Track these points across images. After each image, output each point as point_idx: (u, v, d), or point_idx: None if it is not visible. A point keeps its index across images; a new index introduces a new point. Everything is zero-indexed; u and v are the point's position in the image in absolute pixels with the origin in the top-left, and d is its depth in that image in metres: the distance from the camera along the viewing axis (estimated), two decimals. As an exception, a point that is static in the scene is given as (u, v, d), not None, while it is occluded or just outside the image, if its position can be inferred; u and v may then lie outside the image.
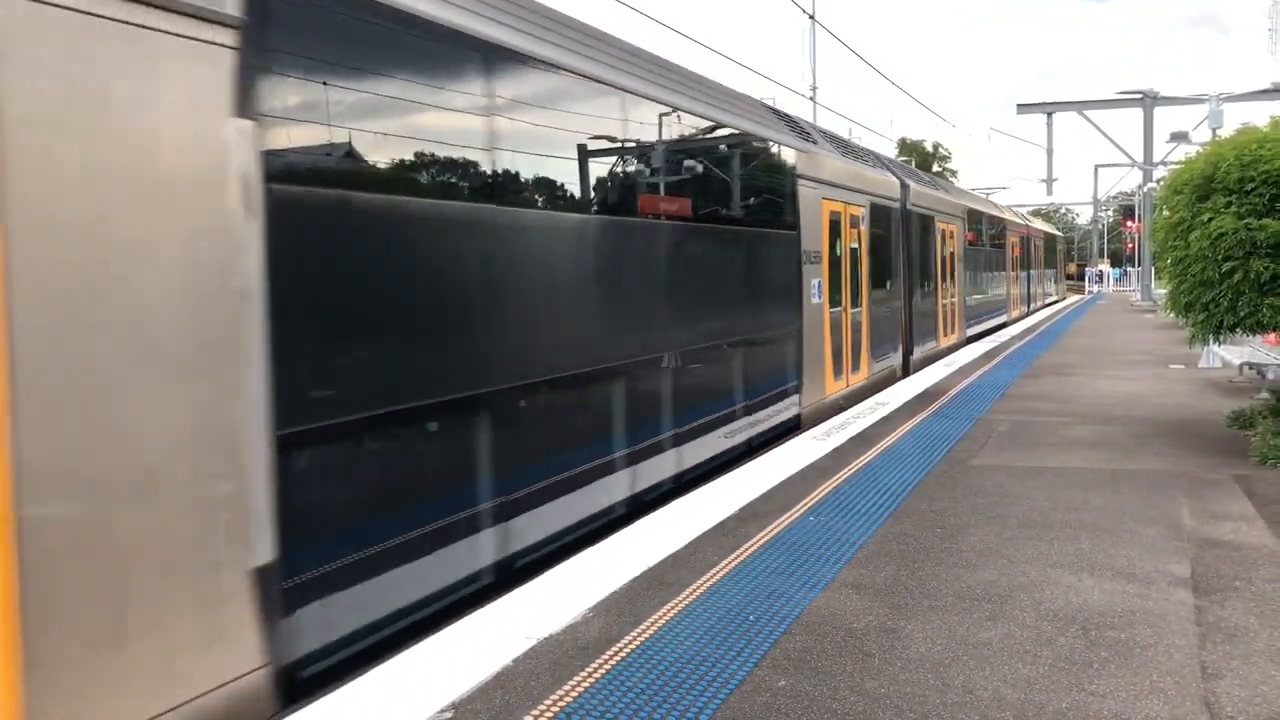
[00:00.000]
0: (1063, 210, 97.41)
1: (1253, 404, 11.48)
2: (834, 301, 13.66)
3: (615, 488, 7.83)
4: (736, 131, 10.77)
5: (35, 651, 3.58)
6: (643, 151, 8.78)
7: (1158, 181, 30.62)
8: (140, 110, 4.07)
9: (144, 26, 4.07)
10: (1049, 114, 44.89)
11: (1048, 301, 47.42)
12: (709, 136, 10.28)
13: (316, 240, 4.98)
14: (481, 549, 6.11)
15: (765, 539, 6.64)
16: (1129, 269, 69.88)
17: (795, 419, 11.96)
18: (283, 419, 4.64)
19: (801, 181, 12.30)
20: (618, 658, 4.67)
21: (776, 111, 13.83)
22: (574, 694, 4.29)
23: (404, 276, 5.59)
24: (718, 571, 5.95)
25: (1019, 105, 43.26)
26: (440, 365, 5.86)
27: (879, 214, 16.36)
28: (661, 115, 9.01)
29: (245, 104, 4.50)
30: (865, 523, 7.02)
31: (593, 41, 8.27)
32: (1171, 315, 10.56)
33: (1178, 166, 10.49)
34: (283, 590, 4.65)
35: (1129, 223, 67.67)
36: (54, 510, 3.67)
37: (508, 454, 6.40)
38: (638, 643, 4.85)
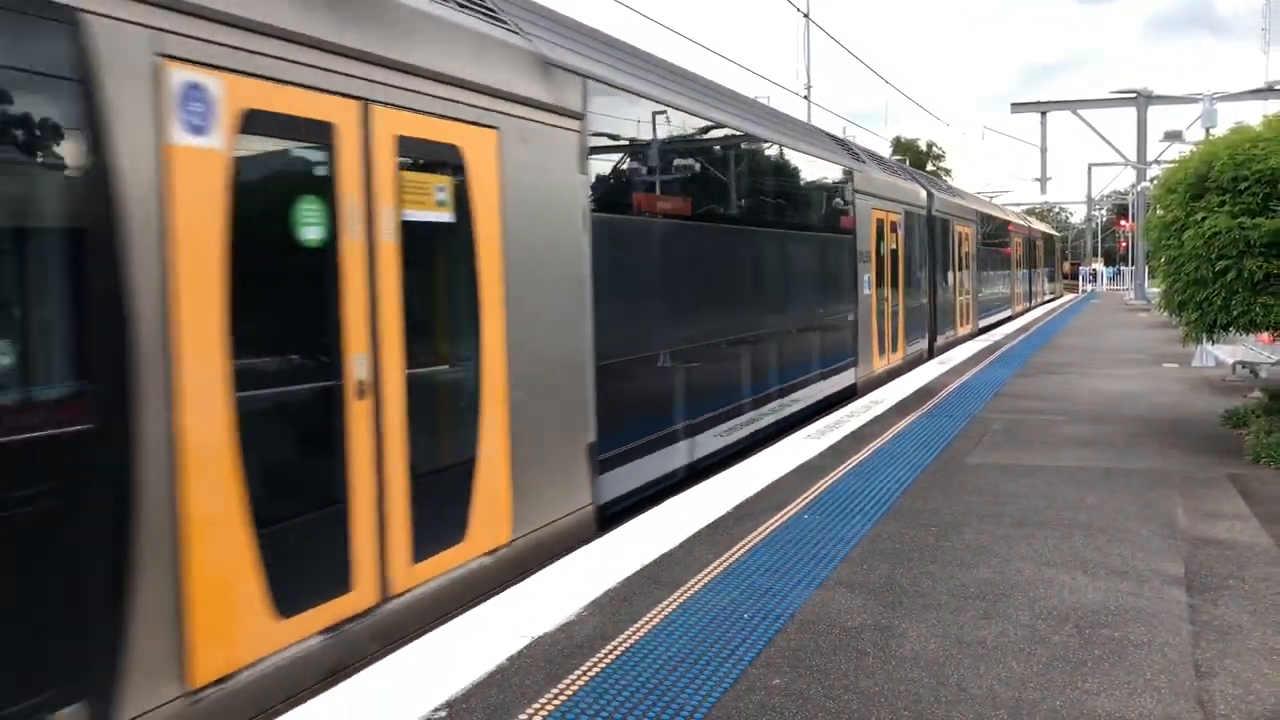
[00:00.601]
0: (1057, 209, 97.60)
1: (1246, 403, 11.50)
2: (879, 294, 16.63)
3: (753, 420, 11.10)
4: (818, 158, 13.99)
5: (513, 468, 6.45)
6: (766, 179, 12.21)
7: (1151, 180, 30.76)
8: (550, 171, 7.02)
9: (549, 125, 7.00)
10: (1043, 113, 44.91)
11: (1047, 298, 49.37)
12: (803, 165, 13.41)
13: (610, 245, 7.82)
14: (682, 449, 9.30)
15: (760, 537, 6.65)
16: (1123, 268, 70.04)
17: (853, 386, 14.98)
18: (598, 355, 7.56)
19: (857, 195, 15.44)
20: (612, 656, 4.67)
21: (834, 137, 17.28)
22: (569, 692, 4.29)
23: (653, 269, 8.83)
24: (712, 569, 5.96)
25: (1013, 104, 43.32)
26: (671, 326, 9.12)
27: (911, 220, 19.30)
28: (775, 152, 12.41)
29: (581, 164, 7.44)
30: (860, 521, 7.03)
31: (742, 103, 12.29)
32: (1165, 314, 10.59)
33: (1172, 165, 10.51)
34: (599, 460, 7.60)
35: (1123, 222, 67.86)
36: (517, 395, 6.46)
37: (701, 390, 9.72)
38: (633, 641, 4.85)
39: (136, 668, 3.93)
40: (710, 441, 9.83)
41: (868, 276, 15.88)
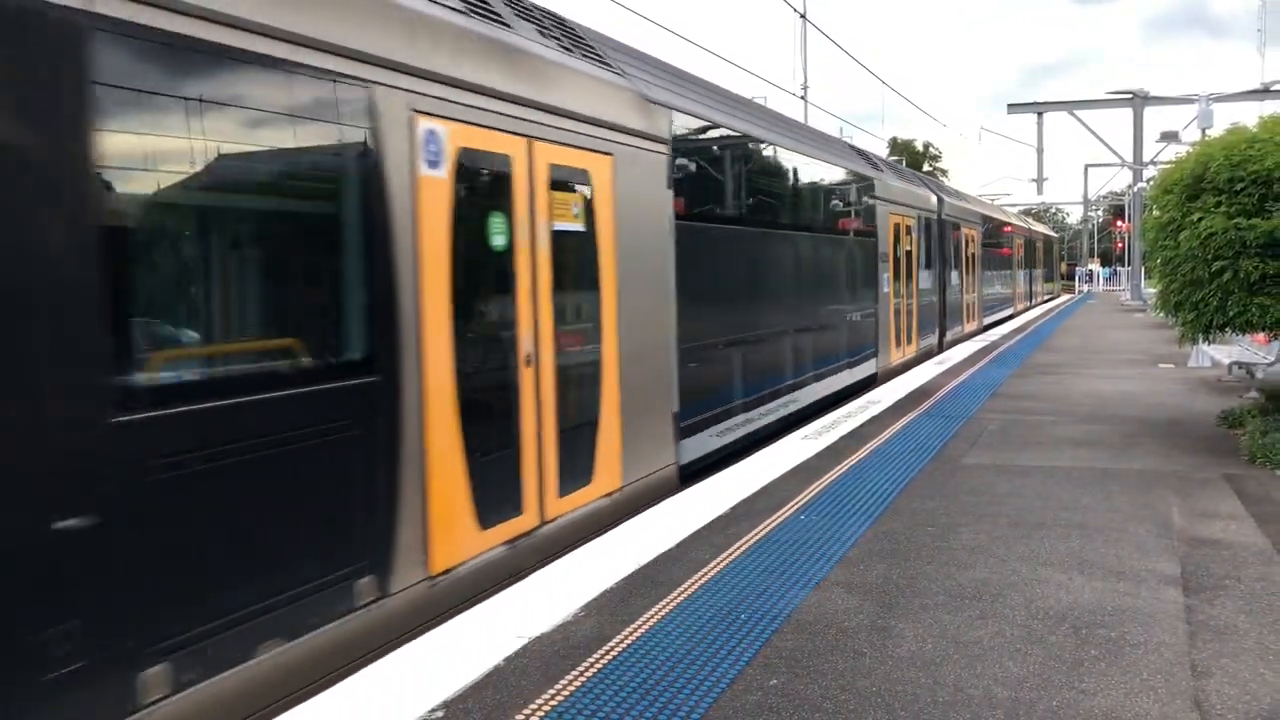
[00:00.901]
0: (1053, 210, 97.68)
1: (1242, 403, 11.52)
2: (895, 292, 18.20)
3: (795, 400, 12.67)
4: (848, 170, 15.89)
5: (623, 430, 8.01)
6: (807, 190, 13.90)
7: (1148, 181, 30.79)
8: (646, 188, 8.60)
9: (646, 150, 8.56)
10: (1039, 114, 44.96)
11: (1046, 297, 50.90)
12: (836, 177, 15.25)
13: (687, 248, 9.30)
14: (741, 421, 10.83)
15: (757, 538, 6.65)
16: (1119, 268, 70.12)
17: (874, 375, 16.49)
18: (680, 339, 9.13)
19: (878, 201, 17.13)
20: (609, 656, 4.67)
21: (856, 149, 19.11)
22: (565, 693, 4.29)
23: (721, 268, 10.43)
24: (709, 570, 5.96)
25: (1010, 105, 43.52)
26: (734, 317, 10.74)
27: (923, 223, 20.95)
28: (814, 166, 14.06)
29: (668, 181, 9.03)
30: (857, 521, 7.03)
31: (787, 124, 14.56)
32: (1161, 314, 10.60)
33: (1168, 166, 10.52)
34: (680, 427, 9.15)
35: (1119, 222, 67.96)
36: (625, 370, 8.01)
37: (757, 371, 11.33)
38: (629, 641, 4.85)
39: (401, 555, 5.40)
40: (761, 418, 11.48)
41: (886, 276, 17.52)
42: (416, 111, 5.67)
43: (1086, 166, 68.60)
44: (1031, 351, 20.61)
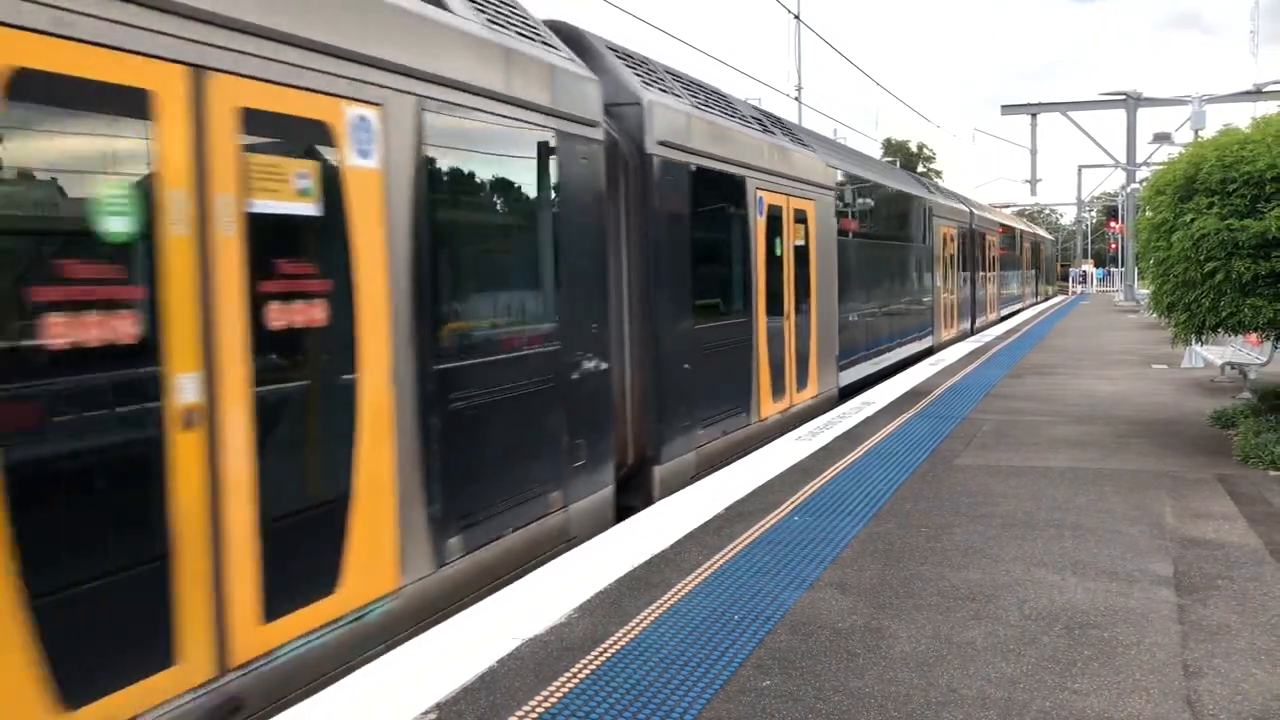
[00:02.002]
0: (1047, 211, 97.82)
1: (1235, 403, 11.54)
2: (944, 287, 24.50)
3: (892, 354, 18.72)
4: (916, 194, 22.16)
5: (819, 363, 13.67)
6: (897, 211, 20.10)
7: (1141, 182, 30.99)
8: (827, 219, 13.98)
9: (827, 196, 13.99)
10: (1033, 115, 45.05)
11: (1045, 295, 55.18)
12: (911, 200, 21.51)
13: (842, 253, 14.57)
14: (866, 365, 16.45)
15: (750, 538, 6.65)
16: (1112, 269, 70.24)
17: (930, 348, 22.50)
18: (841, 311, 14.76)
19: (933, 217, 23.25)
20: (603, 658, 4.67)
21: (915, 176, 27.57)
22: (559, 695, 4.28)
23: (854, 266, 15.76)
24: (703, 571, 5.95)
25: (1003, 106, 43.42)
26: (860, 299, 16.23)
27: (960, 232, 27.09)
28: (897, 192, 20.35)
29: (836, 215, 14.41)
30: (850, 522, 7.04)
31: (883, 167, 22.33)
32: (1154, 315, 10.61)
33: (1160, 168, 10.53)
34: (839, 365, 14.53)
35: (1112, 223, 68.00)
36: (818, 328, 13.51)
37: (871, 333, 16.97)
38: (623, 643, 4.85)
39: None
40: (874, 365, 17.25)
41: (938, 274, 23.78)
42: (759, 189, 11.13)
43: (1080, 168, 68.82)
44: (1026, 352, 20.65)
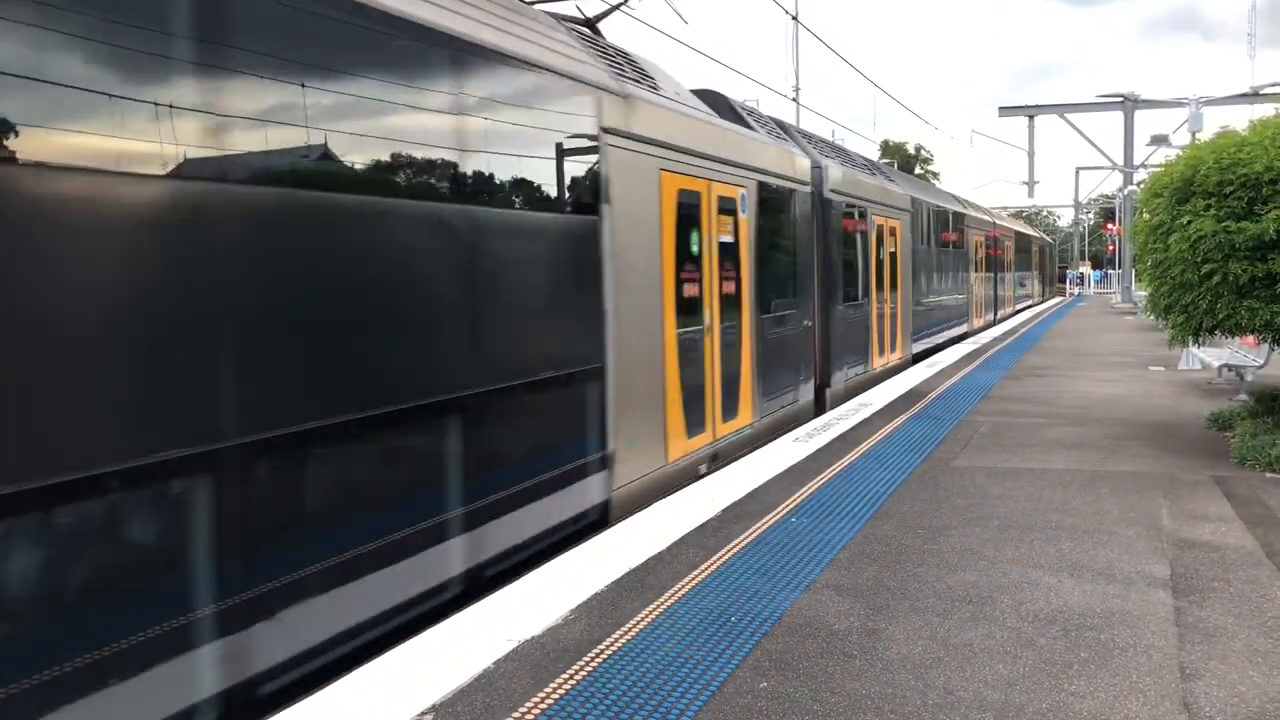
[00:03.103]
0: (1044, 213, 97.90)
1: (1231, 405, 11.55)
2: (974, 283, 29.74)
3: (943, 333, 24.07)
4: (956, 211, 26.92)
5: (902, 341, 19.32)
6: (948, 224, 25.53)
7: (1138, 184, 31.10)
8: (905, 233, 19.59)
9: (907, 216, 19.92)
10: (1030, 117, 45.10)
11: (1046, 295, 58.56)
12: (955, 215, 26.61)
13: (911, 256, 20.44)
14: (926, 339, 22.25)
15: (747, 540, 6.65)
16: (1110, 271, 70.28)
17: (965, 333, 27.12)
18: (913, 300, 20.44)
19: (966, 227, 28.10)
20: (599, 660, 4.67)
21: (956, 196, 32.01)
22: (555, 696, 4.28)
23: (922, 268, 21.84)
24: (700, 573, 5.95)
25: (1001, 108, 43.52)
26: (921, 290, 21.57)
27: (988, 238, 32.64)
28: (946, 210, 25.72)
29: (908, 229, 20.25)
30: (847, 524, 7.04)
31: (933, 188, 31.25)
32: (1151, 317, 10.62)
33: (1158, 170, 10.53)
34: (912, 339, 20.21)
35: (1110, 225, 68.10)
36: (915, 311, 20.79)
37: (923, 321, 21.86)
38: (619, 645, 4.85)
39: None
40: (929, 341, 22.10)
41: (972, 273, 29.13)
42: (874, 214, 16.41)
43: (1078, 169, 68.90)
44: (1022, 354, 20.66)
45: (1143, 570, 5.95)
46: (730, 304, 10.18)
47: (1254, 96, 33.89)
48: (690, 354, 9.08)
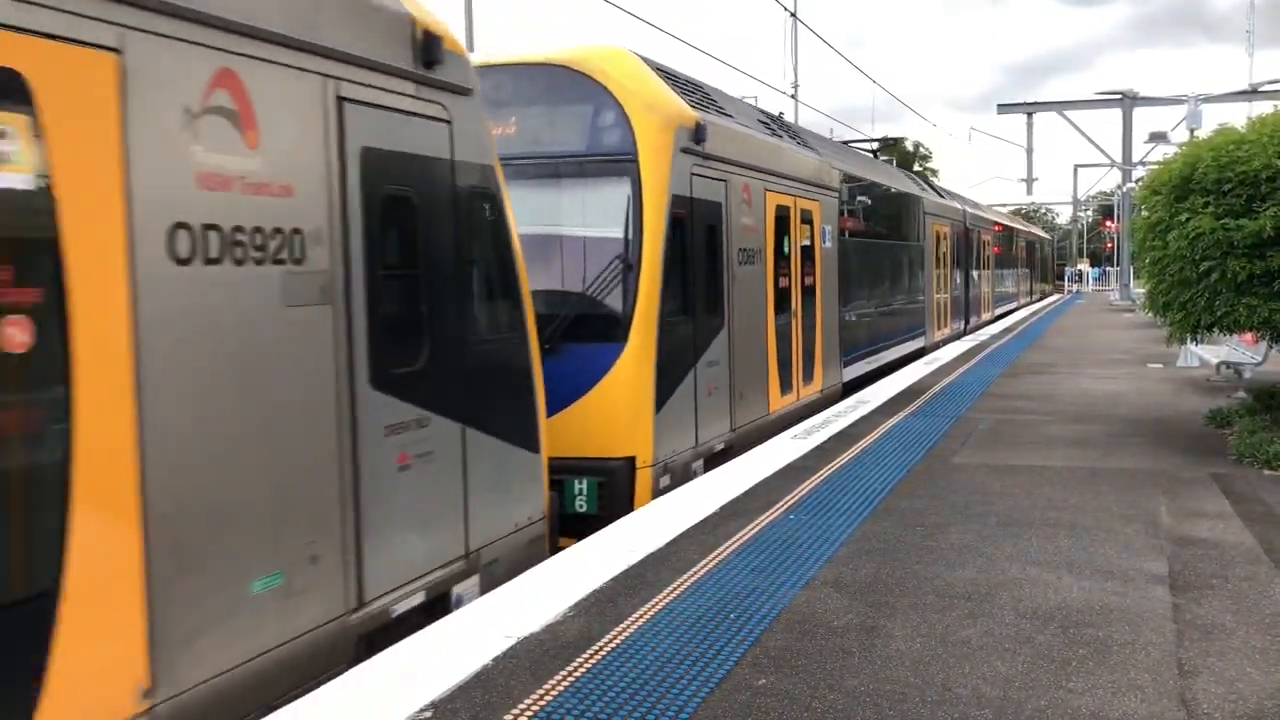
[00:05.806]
0: (1043, 210, 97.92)
1: (1230, 403, 11.56)
2: (989, 280, 34.23)
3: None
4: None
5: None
6: (1008, 241, 39.90)
7: (1137, 182, 31.21)
8: (957, 235, 27.59)
9: (952, 224, 27.09)
10: (1029, 114, 45.09)
11: (1045, 293, 59.98)
12: (987, 224, 33.50)
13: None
14: (960, 323, 28.55)
15: (746, 537, 6.65)
16: (1108, 269, 70.31)
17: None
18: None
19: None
20: (598, 656, 4.67)
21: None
22: (554, 693, 4.28)
23: (980, 264, 32.22)
24: (699, 570, 5.95)
25: (1000, 105, 43.47)
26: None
27: (1008, 237, 37.34)
28: (983, 219, 33.48)
29: (964, 232, 29.71)
30: (846, 521, 7.04)
31: (970, 202, 35.60)
32: (1150, 315, 10.63)
33: (1156, 167, 10.53)
34: (968, 318, 29.28)
35: (1108, 222, 68.15)
36: (968, 305, 30.03)
37: (988, 296, 33.80)
38: (618, 641, 4.85)
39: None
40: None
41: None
42: (932, 222, 23.86)
43: (1076, 167, 68.86)
44: (1021, 351, 20.68)
45: (1141, 567, 5.95)
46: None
47: (1253, 94, 33.90)
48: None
